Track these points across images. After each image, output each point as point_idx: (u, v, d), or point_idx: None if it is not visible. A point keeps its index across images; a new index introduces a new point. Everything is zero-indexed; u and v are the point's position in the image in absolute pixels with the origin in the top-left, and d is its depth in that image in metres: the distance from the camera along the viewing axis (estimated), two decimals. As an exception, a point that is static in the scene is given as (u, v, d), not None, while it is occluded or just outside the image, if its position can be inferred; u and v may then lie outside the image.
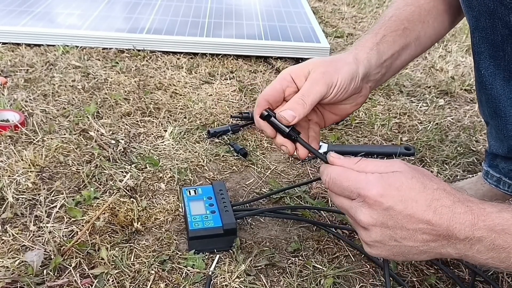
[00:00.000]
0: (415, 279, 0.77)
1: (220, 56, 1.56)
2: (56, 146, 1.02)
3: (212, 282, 0.73)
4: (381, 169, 0.52)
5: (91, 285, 0.71)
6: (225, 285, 0.73)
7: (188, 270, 0.75)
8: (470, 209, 0.49)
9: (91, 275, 0.73)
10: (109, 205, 0.86)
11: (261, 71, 1.49)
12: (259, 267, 0.77)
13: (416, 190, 0.50)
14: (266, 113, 0.60)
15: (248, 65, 1.52)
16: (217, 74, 1.44)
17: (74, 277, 0.72)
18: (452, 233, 0.48)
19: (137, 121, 1.16)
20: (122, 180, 0.94)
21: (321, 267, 0.77)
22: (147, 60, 1.49)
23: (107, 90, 1.29)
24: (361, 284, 0.75)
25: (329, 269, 0.77)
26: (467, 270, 0.78)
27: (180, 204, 0.89)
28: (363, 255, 0.80)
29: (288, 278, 0.75)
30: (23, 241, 0.78)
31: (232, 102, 1.29)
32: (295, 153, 0.63)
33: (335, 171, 0.54)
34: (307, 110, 0.58)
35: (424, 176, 0.52)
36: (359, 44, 0.66)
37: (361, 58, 0.64)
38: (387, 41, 0.67)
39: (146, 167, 0.99)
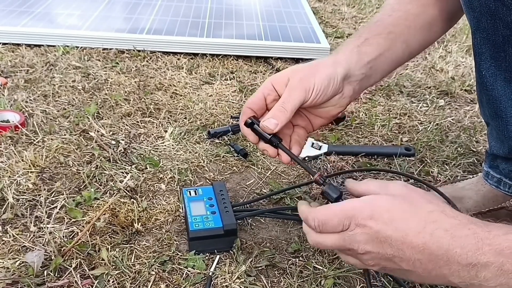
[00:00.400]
0: (415, 280, 0.77)
1: (220, 56, 1.56)
2: (56, 146, 1.02)
3: (212, 282, 0.73)
4: (377, 190, 0.53)
5: (92, 286, 0.71)
6: (226, 285, 0.73)
7: (189, 271, 0.75)
8: (473, 232, 0.46)
9: (91, 276, 0.73)
10: (109, 205, 0.86)
11: (261, 72, 1.49)
12: (260, 268, 0.77)
13: (408, 212, 0.49)
14: (249, 121, 0.63)
15: (248, 66, 1.52)
16: (217, 74, 1.44)
17: (74, 277, 0.72)
18: (453, 258, 0.45)
19: (138, 121, 1.16)
20: (123, 181, 0.94)
21: (321, 267, 0.77)
22: (147, 61, 1.49)
23: (108, 90, 1.29)
24: (362, 284, 0.75)
25: (329, 269, 0.77)
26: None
27: (181, 205, 0.89)
28: (363, 256, 0.80)
29: (289, 279, 0.75)
30: (23, 242, 0.78)
31: (232, 102, 1.29)
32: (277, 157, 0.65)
33: (320, 213, 0.54)
34: (288, 116, 0.61)
35: (422, 198, 0.51)
36: (340, 47, 0.68)
37: (340, 59, 0.65)
38: (370, 43, 0.67)
39: (147, 168, 0.99)
